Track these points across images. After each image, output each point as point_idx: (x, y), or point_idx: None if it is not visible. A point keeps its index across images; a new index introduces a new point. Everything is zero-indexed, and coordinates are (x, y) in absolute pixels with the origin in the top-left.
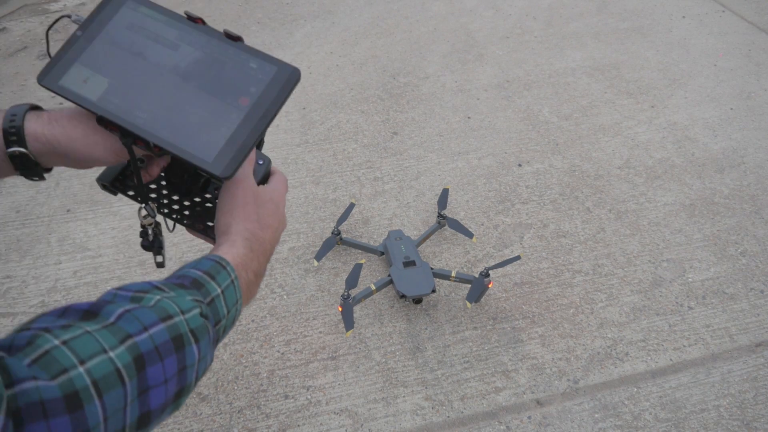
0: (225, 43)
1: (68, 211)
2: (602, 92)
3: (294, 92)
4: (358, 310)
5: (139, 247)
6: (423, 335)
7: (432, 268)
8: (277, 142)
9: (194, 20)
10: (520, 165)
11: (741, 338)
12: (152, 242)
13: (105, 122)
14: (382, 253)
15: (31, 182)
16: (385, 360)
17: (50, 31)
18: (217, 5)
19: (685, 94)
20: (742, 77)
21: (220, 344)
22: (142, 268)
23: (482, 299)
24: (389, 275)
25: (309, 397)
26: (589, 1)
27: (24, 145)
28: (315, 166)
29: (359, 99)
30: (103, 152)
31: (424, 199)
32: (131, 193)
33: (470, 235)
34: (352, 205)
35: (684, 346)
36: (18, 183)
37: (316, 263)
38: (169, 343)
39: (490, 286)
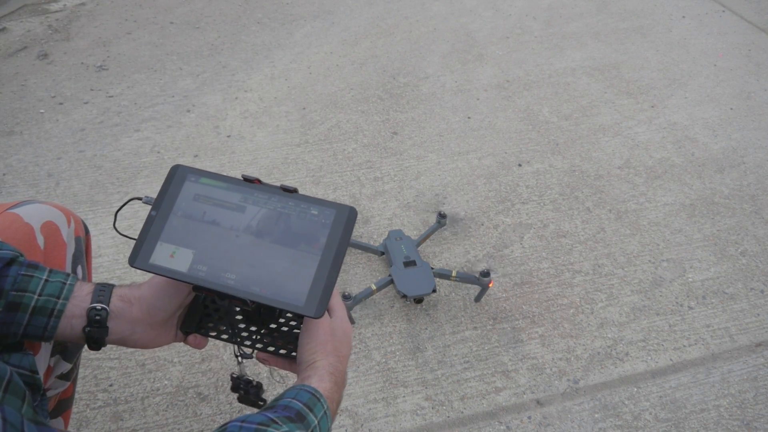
0: (284, 197)
1: None
2: (602, 92)
3: (293, 92)
4: (358, 310)
5: None
6: (423, 335)
7: (432, 268)
8: (277, 142)
9: (252, 181)
10: (520, 165)
11: (741, 338)
12: (249, 391)
13: (200, 290)
14: (383, 253)
15: (31, 182)
16: (385, 360)
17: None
18: (217, 5)
19: (685, 94)
20: (742, 77)
21: (221, 344)
22: None
23: (482, 299)
24: (389, 275)
25: None
26: (589, 1)
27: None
28: (315, 166)
29: (359, 99)
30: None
31: (424, 199)
32: (213, 334)
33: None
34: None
35: (684, 346)
36: (18, 183)
37: None
38: None
39: (490, 285)
